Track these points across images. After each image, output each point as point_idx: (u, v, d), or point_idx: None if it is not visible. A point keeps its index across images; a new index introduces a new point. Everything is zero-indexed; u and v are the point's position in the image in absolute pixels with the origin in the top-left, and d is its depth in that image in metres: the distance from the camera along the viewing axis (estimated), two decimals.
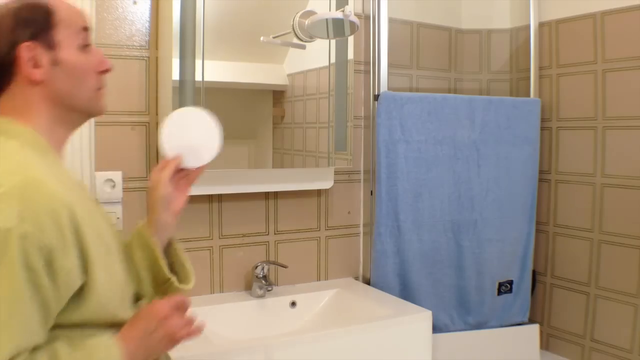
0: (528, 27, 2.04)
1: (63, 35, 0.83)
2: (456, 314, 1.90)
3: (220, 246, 1.73)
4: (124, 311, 0.85)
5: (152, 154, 1.62)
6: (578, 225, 1.94)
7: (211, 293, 1.72)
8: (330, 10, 1.70)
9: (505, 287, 1.96)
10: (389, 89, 1.84)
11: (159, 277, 0.95)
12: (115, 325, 0.82)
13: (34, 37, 0.80)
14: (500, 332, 1.95)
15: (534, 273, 2.05)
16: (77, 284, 0.76)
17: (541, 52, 2.03)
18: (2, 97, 0.83)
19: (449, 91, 2.16)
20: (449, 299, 1.88)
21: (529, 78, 2.05)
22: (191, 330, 0.87)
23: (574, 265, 1.96)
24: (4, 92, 0.83)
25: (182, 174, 0.96)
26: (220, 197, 1.72)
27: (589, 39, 1.87)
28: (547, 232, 2.05)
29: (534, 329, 1.99)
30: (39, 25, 0.81)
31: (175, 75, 1.50)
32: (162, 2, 1.56)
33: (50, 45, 0.81)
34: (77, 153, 1.47)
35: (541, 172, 2.02)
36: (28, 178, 0.73)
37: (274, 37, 1.57)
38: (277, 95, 1.73)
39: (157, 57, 1.59)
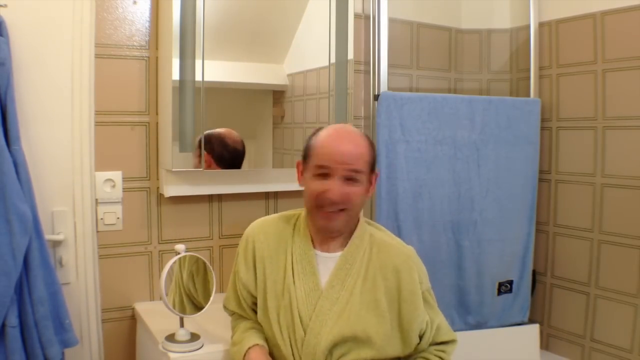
0: (528, 27, 2.04)
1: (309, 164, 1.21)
2: (456, 314, 1.90)
3: (220, 246, 1.73)
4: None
5: (152, 154, 1.62)
6: (578, 225, 1.94)
7: None
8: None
9: (505, 287, 1.96)
10: (389, 89, 1.84)
11: None
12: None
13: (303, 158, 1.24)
14: (500, 332, 1.95)
15: (534, 273, 2.05)
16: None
17: (541, 52, 2.03)
18: None
19: (449, 91, 2.16)
20: (449, 299, 1.88)
21: (529, 78, 2.05)
22: None
23: (574, 265, 1.96)
24: None
25: None
26: (220, 197, 1.72)
27: (589, 39, 1.87)
28: (547, 232, 2.05)
29: (534, 329, 1.99)
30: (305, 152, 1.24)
31: (175, 75, 1.50)
32: (162, 2, 1.56)
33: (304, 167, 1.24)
34: (77, 153, 1.48)
35: (541, 172, 2.02)
36: None
37: None
38: (277, 95, 1.73)
39: (157, 57, 1.59)
